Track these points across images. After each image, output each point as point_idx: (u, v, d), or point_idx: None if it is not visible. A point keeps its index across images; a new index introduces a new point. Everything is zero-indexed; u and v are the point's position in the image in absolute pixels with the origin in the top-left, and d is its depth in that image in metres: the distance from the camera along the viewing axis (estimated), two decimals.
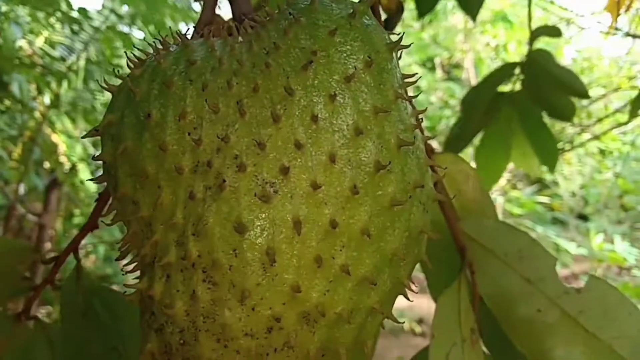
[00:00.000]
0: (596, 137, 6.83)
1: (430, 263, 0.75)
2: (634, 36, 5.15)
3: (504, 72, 2.28)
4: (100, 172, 0.71)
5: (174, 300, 0.59)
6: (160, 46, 0.68)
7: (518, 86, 2.23)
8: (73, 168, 4.86)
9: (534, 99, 2.19)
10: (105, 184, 0.87)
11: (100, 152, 0.68)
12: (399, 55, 0.69)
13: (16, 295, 0.98)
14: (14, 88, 4.18)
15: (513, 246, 1.06)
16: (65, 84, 4.38)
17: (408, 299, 0.71)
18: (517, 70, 2.23)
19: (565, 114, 2.19)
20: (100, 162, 0.69)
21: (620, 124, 6.64)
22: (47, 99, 4.63)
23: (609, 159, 8.18)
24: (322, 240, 0.59)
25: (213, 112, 0.60)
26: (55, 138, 4.81)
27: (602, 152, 8.12)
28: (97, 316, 0.96)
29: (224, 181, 0.57)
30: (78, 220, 5.99)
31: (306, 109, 0.59)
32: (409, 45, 0.71)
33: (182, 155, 0.60)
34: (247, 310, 0.58)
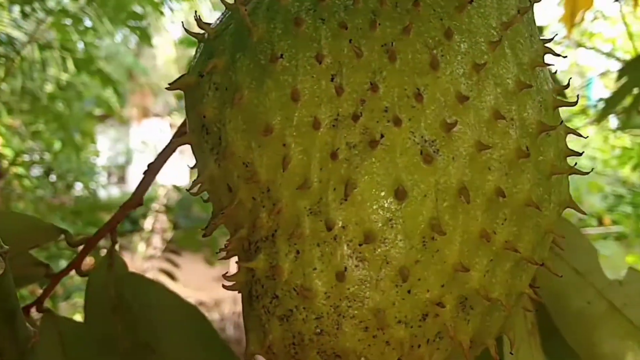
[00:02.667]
0: None
1: None
2: (586, 47, 5.32)
3: None
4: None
5: (310, 280, 0.48)
6: None
7: None
8: (16, 159, 4.54)
9: None
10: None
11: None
12: None
13: (28, 285, 0.84)
14: None
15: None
16: (10, 71, 4.08)
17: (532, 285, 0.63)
18: None
19: None
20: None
21: None
22: None
23: None
24: (486, 212, 0.49)
25: (355, 56, 0.49)
26: None
27: None
28: (129, 309, 0.83)
29: (382, 136, 0.47)
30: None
31: (466, 56, 0.50)
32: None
33: (317, 107, 0.49)
34: (402, 293, 0.48)
